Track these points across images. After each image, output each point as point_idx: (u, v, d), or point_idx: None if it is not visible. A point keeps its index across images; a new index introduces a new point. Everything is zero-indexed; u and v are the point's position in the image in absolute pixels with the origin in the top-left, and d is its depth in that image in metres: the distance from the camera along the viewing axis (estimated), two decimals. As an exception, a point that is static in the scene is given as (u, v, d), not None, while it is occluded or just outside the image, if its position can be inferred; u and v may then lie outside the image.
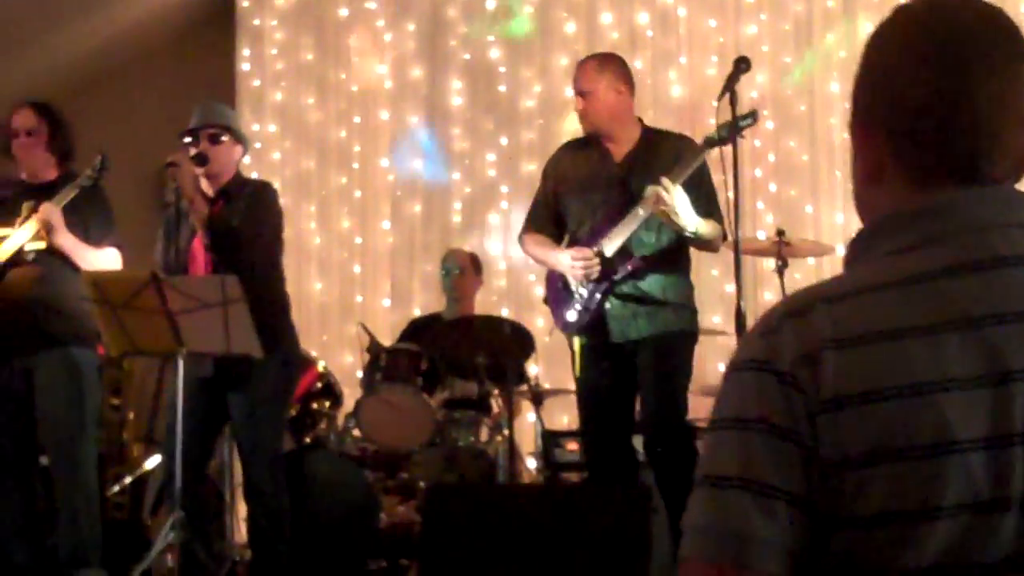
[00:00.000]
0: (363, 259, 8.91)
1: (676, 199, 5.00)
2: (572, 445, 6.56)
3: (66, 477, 5.57)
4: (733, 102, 4.88)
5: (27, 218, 5.58)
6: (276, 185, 7.20)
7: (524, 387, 6.82)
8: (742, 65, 4.95)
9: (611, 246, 5.23)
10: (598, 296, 5.26)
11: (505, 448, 6.39)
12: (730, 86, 4.90)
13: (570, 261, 5.28)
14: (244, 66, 9.08)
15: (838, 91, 8.32)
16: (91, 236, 5.62)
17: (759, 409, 1.33)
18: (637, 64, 8.49)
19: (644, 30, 8.58)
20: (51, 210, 5.51)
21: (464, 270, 7.42)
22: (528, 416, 7.37)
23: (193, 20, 9.22)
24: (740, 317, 4.79)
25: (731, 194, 4.93)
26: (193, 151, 5.38)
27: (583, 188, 5.39)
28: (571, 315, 5.36)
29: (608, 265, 5.24)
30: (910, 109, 1.40)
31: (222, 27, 9.11)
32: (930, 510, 1.27)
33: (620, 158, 5.39)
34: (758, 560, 1.30)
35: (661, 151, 5.35)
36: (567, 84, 8.58)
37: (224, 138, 5.49)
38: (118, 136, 6.07)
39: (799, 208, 8.30)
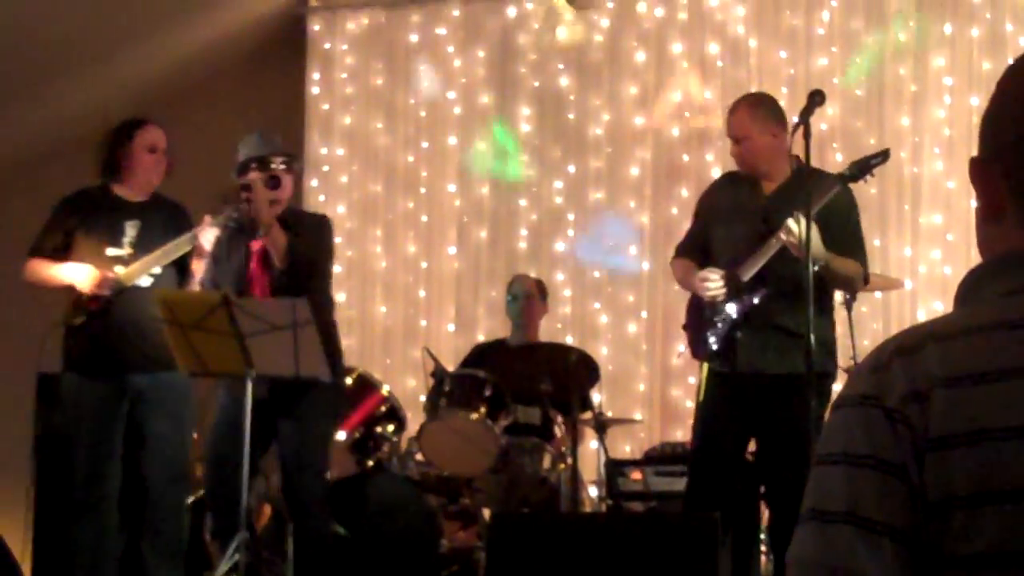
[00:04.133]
0: (428, 284, 8.93)
1: (803, 231, 4.89)
2: (636, 475, 6.54)
3: (168, 499, 5.60)
4: (807, 135, 4.85)
5: (139, 238, 5.58)
6: (342, 208, 7.26)
7: (588, 415, 6.82)
8: (816, 98, 4.92)
9: (747, 274, 5.20)
10: (731, 323, 5.24)
11: (567, 476, 6.38)
12: (804, 118, 4.85)
13: (701, 280, 5.28)
14: (314, 90, 9.16)
15: (908, 125, 8.25)
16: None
17: (867, 445, 1.32)
18: (707, 95, 8.50)
19: (714, 60, 8.55)
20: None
21: (530, 296, 7.40)
22: (591, 444, 7.36)
23: (264, 43, 9.29)
24: (809, 353, 4.75)
25: (800, 226, 4.91)
26: (262, 175, 5.39)
27: (730, 220, 5.40)
28: (708, 340, 5.32)
29: (743, 292, 5.21)
30: None
31: (293, 50, 9.20)
32: None
33: (769, 193, 5.40)
34: None
35: (805, 187, 5.32)
36: (636, 113, 8.65)
37: (294, 166, 5.59)
38: (186, 157, 6.09)
39: (867, 241, 8.18)
